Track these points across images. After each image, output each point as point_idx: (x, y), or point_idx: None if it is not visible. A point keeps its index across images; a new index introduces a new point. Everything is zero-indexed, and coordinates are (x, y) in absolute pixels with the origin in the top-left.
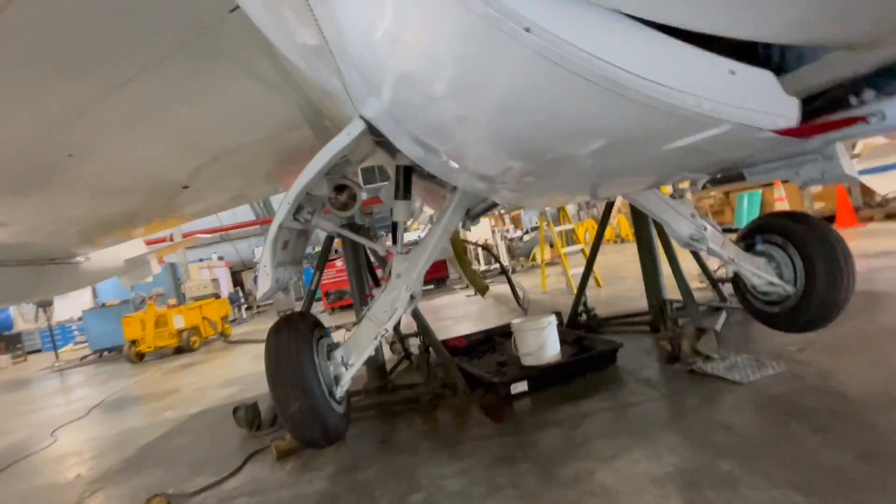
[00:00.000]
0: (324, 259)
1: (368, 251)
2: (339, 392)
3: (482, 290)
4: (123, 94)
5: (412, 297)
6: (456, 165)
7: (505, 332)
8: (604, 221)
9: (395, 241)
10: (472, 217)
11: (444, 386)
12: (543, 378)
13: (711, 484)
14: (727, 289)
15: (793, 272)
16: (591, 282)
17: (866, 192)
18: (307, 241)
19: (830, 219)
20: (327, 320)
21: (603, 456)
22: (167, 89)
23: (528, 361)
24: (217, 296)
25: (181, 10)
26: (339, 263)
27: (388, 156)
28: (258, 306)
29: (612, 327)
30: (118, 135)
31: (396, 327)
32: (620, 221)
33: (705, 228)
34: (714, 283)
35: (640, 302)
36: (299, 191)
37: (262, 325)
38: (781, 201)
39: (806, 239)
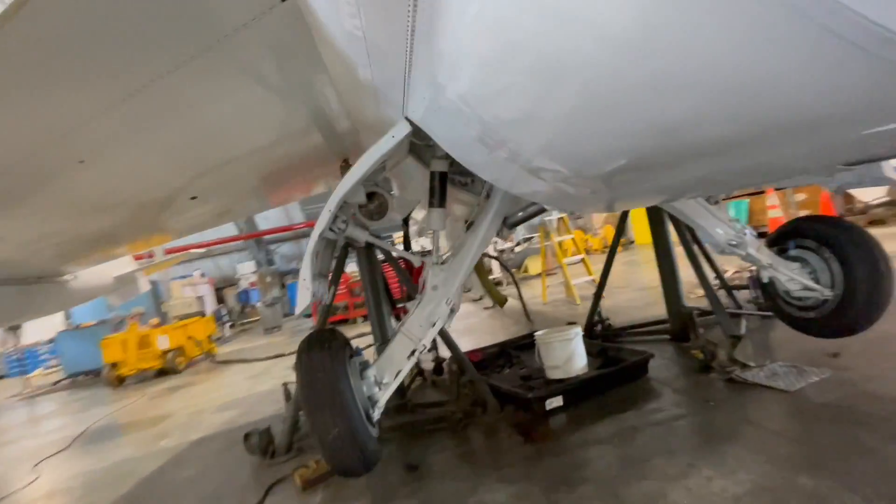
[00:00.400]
0: (338, 272)
1: (396, 263)
2: (376, 414)
3: (501, 302)
4: (138, 100)
5: (452, 311)
6: (523, 164)
7: (520, 345)
8: (619, 230)
9: (432, 251)
10: (509, 226)
11: (473, 403)
12: (579, 392)
13: (801, 502)
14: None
15: (829, 276)
16: (567, 297)
17: (848, 199)
18: (333, 253)
19: None
20: None
21: (668, 474)
22: (181, 96)
23: (555, 375)
24: (202, 314)
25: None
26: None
27: (418, 162)
28: (241, 323)
29: (630, 337)
30: (130, 141)
31: None
32: (606, 230)
33: (745, 233)
34: (729, 289)
35: (647, 312)
36: (340, 197)
37: (249, 344)
38: (774, 208)
39: (843, 242)
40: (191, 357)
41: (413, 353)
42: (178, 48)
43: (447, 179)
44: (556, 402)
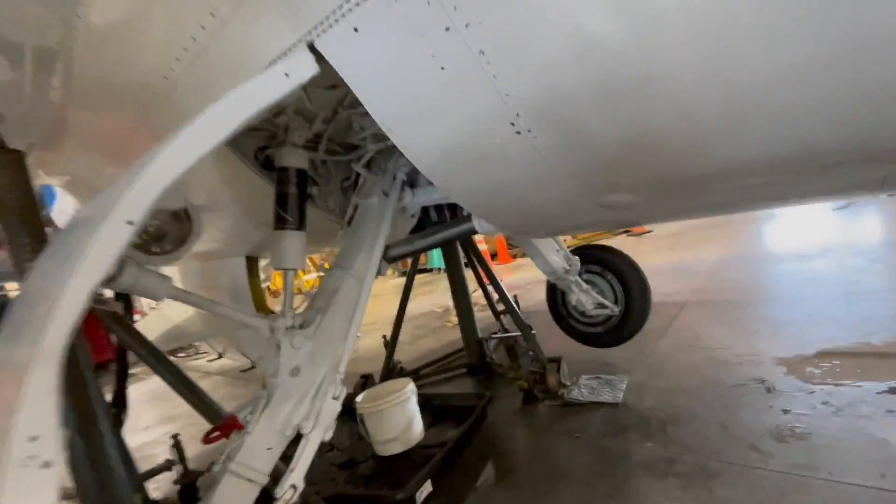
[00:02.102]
0: None
1: None
2: None
3: None
4: None
5: (335, 400)
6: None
7: None
8: (416, 261)
9: (283, 308)
10: (389, 259)
11: None
12: (445, 465)
13: None
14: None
15: (614, 295)
16: None
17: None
18: None
19: (493, 256)
20: None
21: None
22: None
23: (392, 449)
24: None
25: None
26: None
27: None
28: None
29: (428, 378)
30: None
31: None
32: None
33: (575, 261)
34: (497, 313)
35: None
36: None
37: None
38: (481, 243)
39: (619, 265)
40: None
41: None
42: None
43: (306, 185)
44: (426, 489)
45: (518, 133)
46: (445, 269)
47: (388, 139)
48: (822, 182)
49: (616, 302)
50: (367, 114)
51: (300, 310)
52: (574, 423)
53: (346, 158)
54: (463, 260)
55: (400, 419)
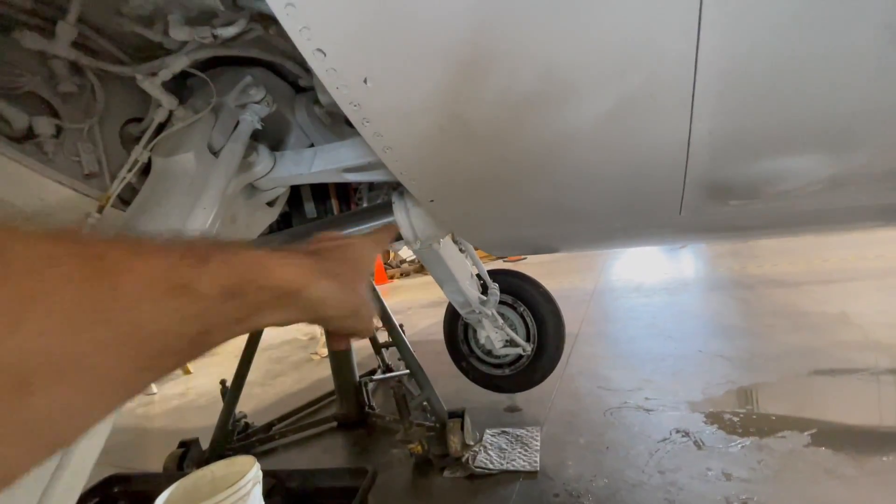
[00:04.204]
0: None
1: None
2: None
3: None
4: None
5: None
6: None
7: None
8: None
9: None
10: None
11: None
12: None
13: None
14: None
15: (526, 331)
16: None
17: (385, 254)
18: None
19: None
20: None
21: None
22: None
23: None
24: None
25: None
26: None
27: None
28: None
29: (284, 437)
30: None
31: None
32: None
33: (490, 290)
34: (377, 347)
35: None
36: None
37: None
38: None
39: (534, 296)
40: None
41: None
42: None
43: None
44: None
45: None
46: None
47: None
48: None
49: (528, 339)
50: None
51: None
52: None
53: (129, 70)
54: None
55: None
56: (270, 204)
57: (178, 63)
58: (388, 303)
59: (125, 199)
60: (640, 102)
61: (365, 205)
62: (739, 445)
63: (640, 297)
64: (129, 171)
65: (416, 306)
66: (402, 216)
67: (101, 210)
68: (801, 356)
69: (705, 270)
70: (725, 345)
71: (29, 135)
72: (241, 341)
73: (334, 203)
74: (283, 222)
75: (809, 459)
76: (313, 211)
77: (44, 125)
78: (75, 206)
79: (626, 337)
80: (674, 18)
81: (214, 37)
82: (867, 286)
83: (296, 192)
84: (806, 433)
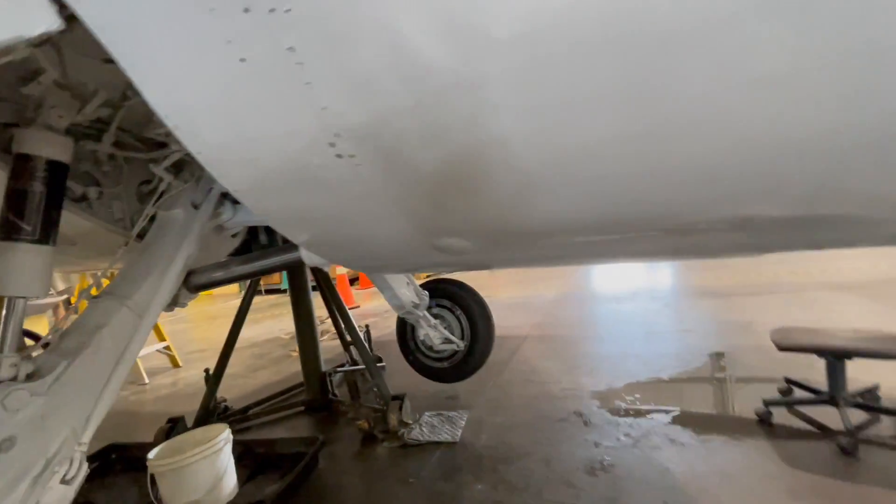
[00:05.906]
0: None
1: None
2: None
3: None
4: None
5: (66, 484)
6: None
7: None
8: (254, 284)
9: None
10: (193, 288)
11: None
12: None
13: None
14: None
15: (461, 330)
16: (168, 361)
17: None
18: None
19: (353, 281)
20: None
21: None
22: None
23: None
24: None
25: None
26: None
27: None
28: None
29: (258, 417)
30: None
31: None
32: None
33: (425, 295)
34: (346, 344)
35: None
36: None
37: None
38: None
39: (468, 301)
40: None
41: None
42: None
43: (62, 184)
44: None
45: (339, 157)
46: (289, 291)
47: None
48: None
49: (462, 337)
50: None
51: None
52: (411, 466)
53: (145, 157)
54: (312, 283)
55: (206, 476)
56: (234, 236)
57: (176, 154)
58: (369, 305)
59: (141, 235)
60: None
61: None
62: (616, 424)
63: (592, 304)
64: (144, 220)
65: (390, 310)
66: (303, 251)
67: (126, 244)
68: (696, 357)
69: (658, 281)
70: (644, 347)
71: (83, 197)
72: (224, 334)
73: (280, 235)
74: (243, 248)
75: (661, 433)
76: (266, 240)
77: (92, 192)
78: (108, 238)
79: (567, 340)
80: None
81: None
82: (780, 299)
83: (253, 227)
84: (670, 415)
